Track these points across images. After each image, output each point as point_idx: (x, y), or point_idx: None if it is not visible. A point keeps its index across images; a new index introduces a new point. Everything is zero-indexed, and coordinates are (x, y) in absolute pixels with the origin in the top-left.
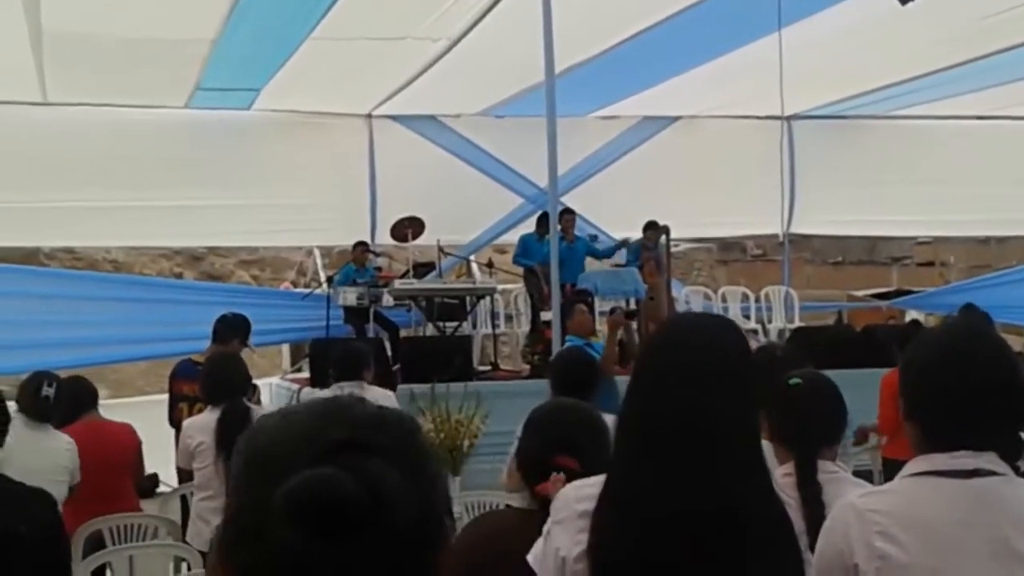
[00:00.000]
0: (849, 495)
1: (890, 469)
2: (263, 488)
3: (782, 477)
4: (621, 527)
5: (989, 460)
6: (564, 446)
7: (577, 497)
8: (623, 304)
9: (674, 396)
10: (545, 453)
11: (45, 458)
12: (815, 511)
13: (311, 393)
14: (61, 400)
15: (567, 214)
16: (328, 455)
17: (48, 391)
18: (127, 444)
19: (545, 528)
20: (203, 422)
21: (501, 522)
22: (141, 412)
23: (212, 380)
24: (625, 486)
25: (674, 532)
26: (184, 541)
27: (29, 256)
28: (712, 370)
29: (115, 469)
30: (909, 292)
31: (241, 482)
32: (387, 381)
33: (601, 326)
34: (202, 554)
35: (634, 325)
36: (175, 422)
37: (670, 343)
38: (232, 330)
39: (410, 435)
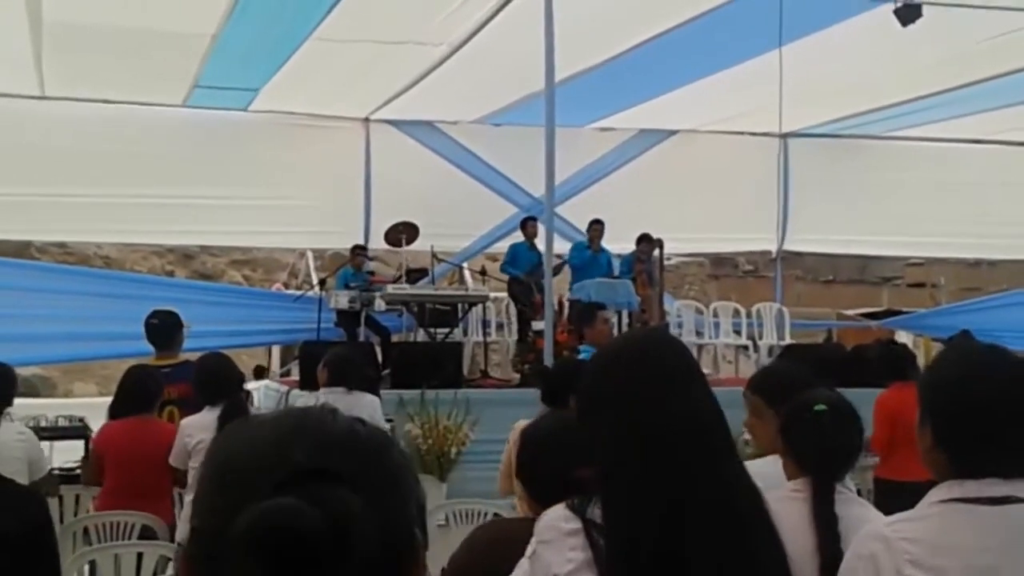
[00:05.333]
0: (876, 523)
1: (881, 489)
2: (224, 512)
3: (790, 492)
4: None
5: (1018, 487)
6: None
7: (565, 517)
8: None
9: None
10: (568, 470)
11: None
12: (830, 535)
13: (300, 396)
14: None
15: (596, 224)
16: (291, 481)
17: None
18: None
19: (529, 550)
20: (203, 421)
21: (514, 529)
22: None
23: (209, 380)
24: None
25: (684, 523)
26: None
27: (20, 250)
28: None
29: (154, 467)
30: (899, 312)
31: (204, 500)
32: (374, 386)
33: None
34: None
35: None
36: None
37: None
38: (177, 332)
39: (381, 453)
